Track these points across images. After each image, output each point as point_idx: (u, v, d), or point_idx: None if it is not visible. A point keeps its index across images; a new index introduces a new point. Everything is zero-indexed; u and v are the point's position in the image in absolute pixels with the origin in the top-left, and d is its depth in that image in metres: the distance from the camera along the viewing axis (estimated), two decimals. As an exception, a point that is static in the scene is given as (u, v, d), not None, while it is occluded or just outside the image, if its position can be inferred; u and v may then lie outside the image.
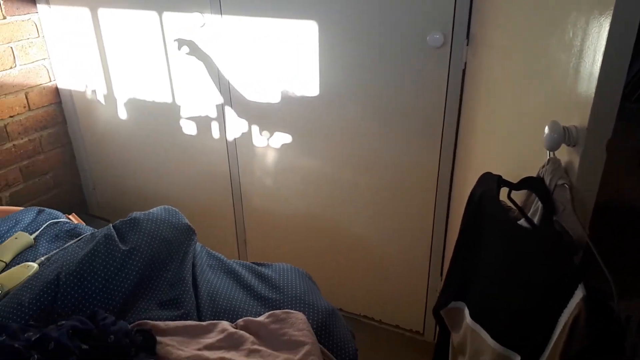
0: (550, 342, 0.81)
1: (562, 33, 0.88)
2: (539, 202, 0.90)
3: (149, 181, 2.35)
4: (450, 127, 1.66)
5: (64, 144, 2.41)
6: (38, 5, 2.15)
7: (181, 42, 1.92)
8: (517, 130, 1.13)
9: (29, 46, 2.16)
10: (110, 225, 1.26)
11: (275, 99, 1.87)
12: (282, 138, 1.94)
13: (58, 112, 2.34)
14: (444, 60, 1.57)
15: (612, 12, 0.69)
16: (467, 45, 1.53)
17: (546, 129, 0.83)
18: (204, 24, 1.83)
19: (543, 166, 0.89)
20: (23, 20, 2.11)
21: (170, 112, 2.11)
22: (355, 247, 2.02)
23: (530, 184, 0.94)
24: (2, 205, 2.16)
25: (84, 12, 2.07)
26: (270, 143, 1.97)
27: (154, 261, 1.23)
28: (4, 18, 2.03)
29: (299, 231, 2.11)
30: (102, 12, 2.03)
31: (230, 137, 2.04)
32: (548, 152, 0.86)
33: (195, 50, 1.91)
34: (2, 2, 2.01)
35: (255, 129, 1.97)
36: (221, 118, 2.01)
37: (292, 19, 1.72)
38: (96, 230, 1.34)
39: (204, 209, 2.26)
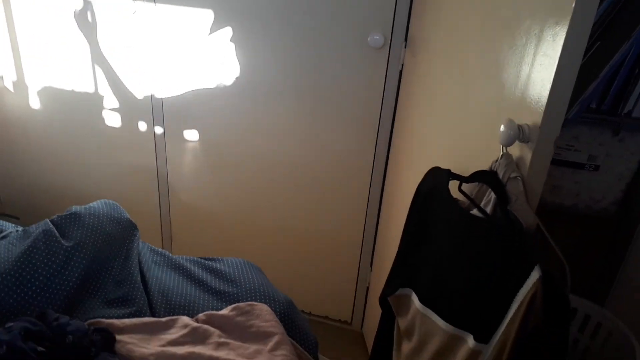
0: (504, 319, 0.89)
1: (514, 39, 0.97)
2: (492, 194, 0.99)
3: (64, 176, 2.18)
4: (386, 121, 1.74)
5: (-40, 133, 2.15)
6: None
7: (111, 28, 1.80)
8: (463, 127, 1.21)
9: None
10: (47, 220, 1.16)
11: (208, 93, 1.83)
12: (214, 132, 1.90)
13: (-46, 97, 2.08)
14: (383, 60, 1.65)
15: (568, 22, 0.78)
16: (405, 47, 1.62)
17: (502, 127, 0.92)
18: (135, 11, 1.74)
19: (496, 160, 0.98)
20: None
21: (92, 102, 1.97)
22: (286, 241, 2.03)
23: (482, 176, 1.03)
24: None
25: (-8, -13, 1.86)
26: (201, 137, 1.92)
27: (98, 258, 1.15)
28: None
29: (227, 227, 2.08)
30: (14, -12, 1.84)
31: (158, 130, 1.95)
32: (502, 147, 0.95)
33: (124, 38, 1.81)
34: None
35: (185, 123, 1.91)
36: (149, 111, 1.92)
37: (228, 13, 1.70)
38: (26, 226, 1.22)
39: (125, 205, 2.14)
